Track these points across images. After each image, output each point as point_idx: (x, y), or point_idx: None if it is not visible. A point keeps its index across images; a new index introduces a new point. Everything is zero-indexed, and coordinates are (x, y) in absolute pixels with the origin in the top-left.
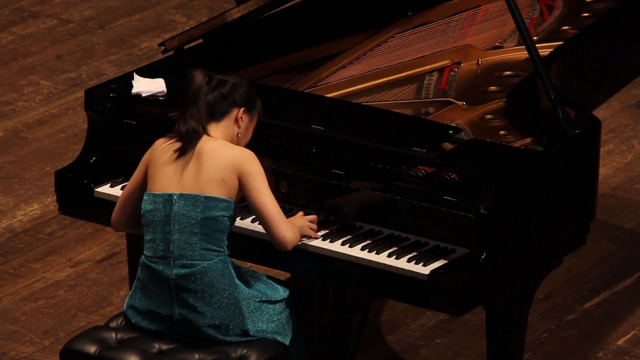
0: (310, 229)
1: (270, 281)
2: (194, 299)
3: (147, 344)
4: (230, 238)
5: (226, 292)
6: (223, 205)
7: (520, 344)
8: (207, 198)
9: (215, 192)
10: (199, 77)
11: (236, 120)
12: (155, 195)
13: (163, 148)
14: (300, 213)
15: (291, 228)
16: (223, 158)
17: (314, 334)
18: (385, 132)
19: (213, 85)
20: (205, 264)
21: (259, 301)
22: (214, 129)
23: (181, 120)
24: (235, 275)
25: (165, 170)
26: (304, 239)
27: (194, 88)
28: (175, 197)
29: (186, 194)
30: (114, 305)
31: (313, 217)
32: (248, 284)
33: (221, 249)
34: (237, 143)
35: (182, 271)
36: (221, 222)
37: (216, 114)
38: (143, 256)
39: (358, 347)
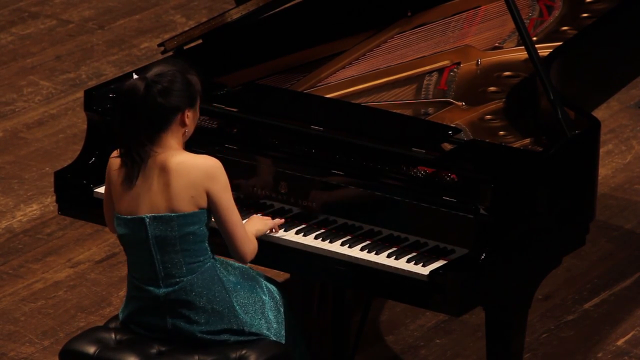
0: (269, 225)
1: (260, 278)
2: (186, 310)
3: (147, 344)
4: (220, 237)
5: (217, 298)
6: (197, 219)
7: (520, 345)
8: (179, 216)
9: (186, 208)
10: (138, 88)
11: (182, 122)
12: (125, 220)
13: (118, 167)
14: (254, 217)
15: (251, 241)
16: (191, 174)
17: (314, 334)
18: (384, 133)
19: (150, 94)
20: (192, 277)
21: (251, 298)
22: (164, 138)
23: (127, 142)
24: (224, 279)
25: (129, 191)
26: (306, 238)
27: (135, 102)
28: (148, 220)
29: (158, 216)
30: (113, 306)
31: (261, 216)
32: (239, 284)
33: (206, 257)
34: (187, 136)
35: (171, 289)
36: (198, 233)
37: (162, 125)
38: (130, 275)
39: (358, 347)
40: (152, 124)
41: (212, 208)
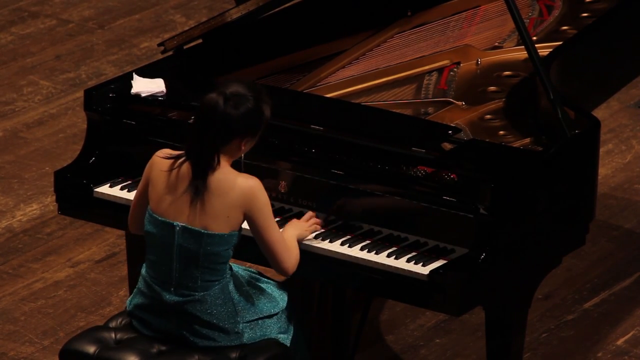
0: (312, 225)
1: (270, 288)
2: (191, 321)
3: (147, 344)
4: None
5: (225, 317)
6: (226, 241)
7: (520, 344)
8: (210, 235)
9: (219, 228)
10: (219, 103)
11: (238, 148)
12: (157, 220)
13: (166, 169)
14: (294, 221)
15: (292, 255)
16: (230, 194)
17: (314, 334)
18: (384, 132)
19: (225, 112)
20: (205, 293)
21: (259, 317)
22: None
23: (193, 148)
24: (234, 298)
25: (167, 193)
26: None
27: (206, 114)
28: (178, 228)
29: (189, 228)
30: (113, 306)
31: (306, 215)
32: (248, 302)
33: (222, 277)
34: (236, 157)
35: (181, 299)
36: (224, 255)
37: (218, 143)
38: (145, 270)
39: (358, 347)
40: (211, 139)
41: (251, 227)
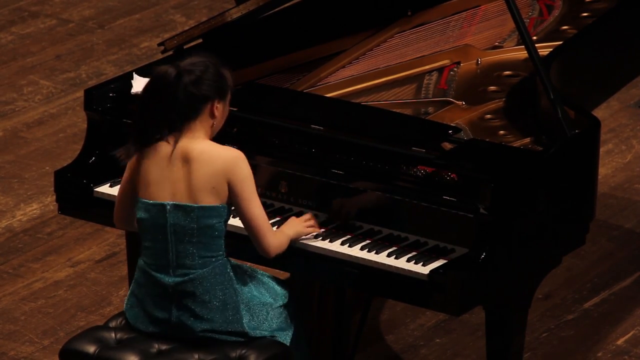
0: (309, 227)
1: (272, 283)
2: (192, 303)
3: (147, 343)
4: (231, 237)
5: (225, 297)
6: (216, 212)
7: (520, 344)
8: (200, 208)
9: (207, 200)
10: (169, 74)
11: (211, 113)
12: (147, 204)
13: (145, 155)
14: (292, 218)
15: (276, 236)
16: (213, 164)
17: (314, 334)
18: (384, 132)
19: (182, 82)
20: (204, 271)
21: (258, 304)
22: (192, 126)
23: (144, 124)
24: (234, 279)
25: (153, 177)
26: (306, 238)
27: (166, 87)
28: (169, 207)
29: (179, 204)
30: (113, 305)
31: (306, 215)
32: (248, 287)
33: (219, 253)
34: (215, 129)
35: (181, 279)
36: (216, 228)
37: (191, 114)
38: (141, 260)
39: (358, 347)
40: (181, 112)
41: (233, 199)
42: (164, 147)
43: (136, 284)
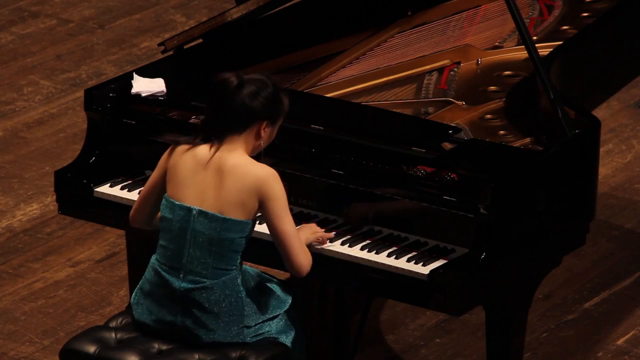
0: (316, 235)
1: (278, 290)
2: (199, 312)
3: (147, 343)
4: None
5: (231, 311)
6: (240, 227)
7: (520, 344)
8: (225, 220)
9: (234, 213)
10: (231, 82)
11: (258, 133)
12: (174, 204)
13: (183, 155)
14: (304, 225)
15: (307, 254)
16: (245, 179)
17: (314, 334)
18: (385, 132)
19: (241, 92)
20: (214, 282)
21: (264, 320)
22: (235, 140)
23: (204, 127)
24: (243, 292)
25: (185, 178)
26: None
27: (223, 94)
28: (195, 212)
29: (206, 212)
30: (113, 305)
31: (311, 225)
32: (255, 298)
33: (233, 267)
34: (255, 150)
35: (190, 285)
36: (237, 242)
37: (238, 128)
38: (154, 258)
39: (358, 347)
40: (230, 122)
41: (265, 217)
42: (203, 153)
43: (145, 281)
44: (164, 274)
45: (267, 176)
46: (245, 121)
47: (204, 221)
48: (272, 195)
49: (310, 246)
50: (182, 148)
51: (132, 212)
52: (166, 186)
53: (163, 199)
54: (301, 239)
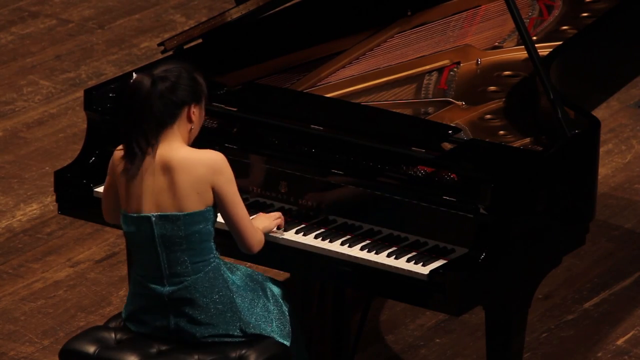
0: (276, 220)
1: (267, 282)
2: (190, 309)
3: (147, 344)
4: (225, 237)
5: (222, 298)
6: (202, 217)
7: (520, 344)
8: (186, 215)
9: (193, 206)
10: (144, 83)
11: (188, 117)
12: (132, 218)
13: (123, 166)
14: (260, 214)
15: (257, 233)
16: (196, 171)
17: (314, 334)
18: (384, 132)
19: (157, 89)
20: (197, 276)
21: (255, 297)
22: (169, 133)
23: (131, 136)
24: (229, 279)
25: (134, 188)
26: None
27: (141, 97)
28: (154, 218)
29: (165, 215)
30: (113, 305)
31: (276, 214)
32: (243, 284)
33: (211, 256)
34: (193, 135)
35: (176, 287)
36: (203, 232)
37: (168, 120)
38: (135, 273)
39: (358, 347)
40: (158, 119)
41: (218, 202)
42: (143, 159)
43: (132, 295)
44: (149, 284)
45: (216, 162)
46: (172, 112)
47: (166, 224)
48: (224, 181)
49: (309, 245)
50: (119, 156)
51: (103, 211)
52: (119, 200)
53: (121, 217)
54: (251, 222)
